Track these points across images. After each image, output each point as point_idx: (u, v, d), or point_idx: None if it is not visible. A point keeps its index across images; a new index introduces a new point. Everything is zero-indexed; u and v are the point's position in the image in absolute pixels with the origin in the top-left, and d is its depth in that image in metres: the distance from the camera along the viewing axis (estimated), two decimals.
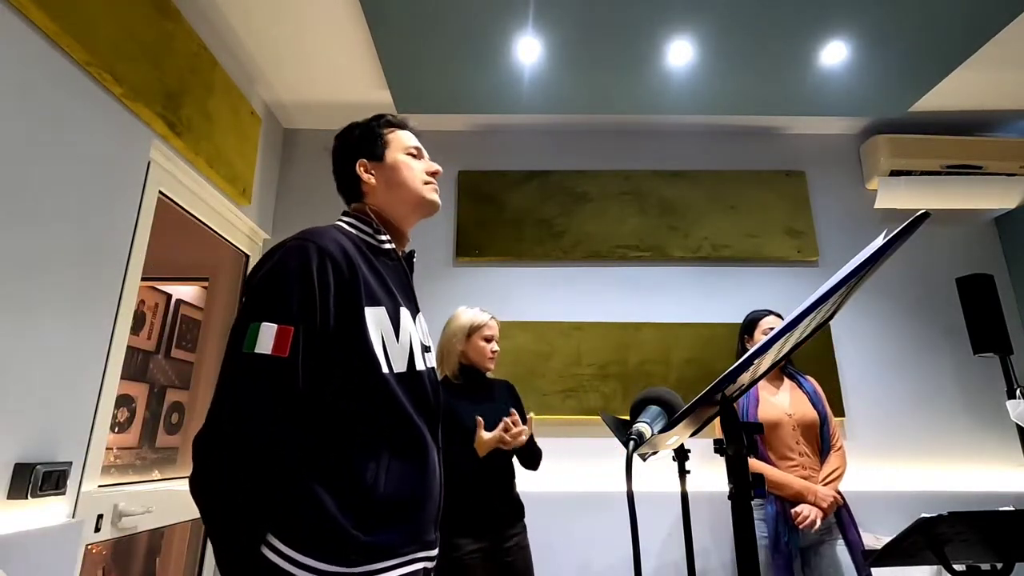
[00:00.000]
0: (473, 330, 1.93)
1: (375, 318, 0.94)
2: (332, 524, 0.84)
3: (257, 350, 0.83)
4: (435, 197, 1.13)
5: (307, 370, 0.86)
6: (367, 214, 1.09)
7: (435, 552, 0.99)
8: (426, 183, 1.11)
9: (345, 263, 0.93)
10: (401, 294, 1.04)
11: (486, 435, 1.74)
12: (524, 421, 1.83)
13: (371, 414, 0.92)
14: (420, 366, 1.01)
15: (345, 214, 1.10)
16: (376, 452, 0.91)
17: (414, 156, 1.12)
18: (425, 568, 0.95)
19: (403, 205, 1.10)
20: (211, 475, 0.80)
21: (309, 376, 0.87)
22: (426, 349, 1.07)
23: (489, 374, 1.99)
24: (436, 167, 1.14)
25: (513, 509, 1.85)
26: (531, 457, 1.91)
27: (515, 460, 1.92)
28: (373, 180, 1.09)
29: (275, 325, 0.84)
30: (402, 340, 0.98)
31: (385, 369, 0.93)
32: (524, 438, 1.75)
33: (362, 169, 1.10)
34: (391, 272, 1.05)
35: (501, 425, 1.73)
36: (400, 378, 0.95)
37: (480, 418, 1.77)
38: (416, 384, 0.99)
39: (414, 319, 1.05)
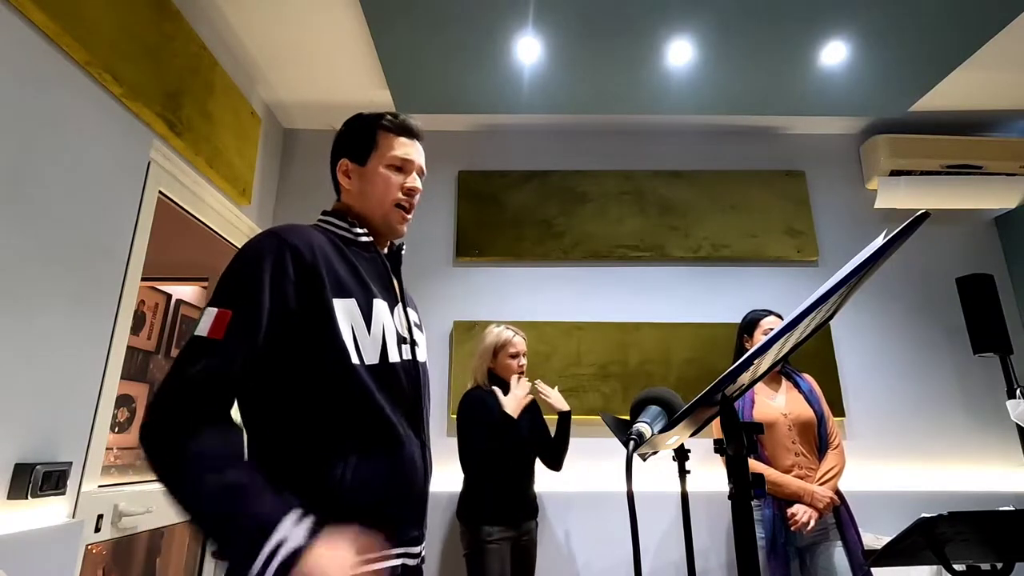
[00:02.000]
0: (498, 349, 2.12)
1: (344, 309, 0.93)
2: None
3: (197, 332, 0.84)
4: (400, 228, 1.08)
5: (270, 361, 0.86)
6: (344, 212, 1.08)
7: (417, 549, 0.96)
8: (397, 204, 1.06)
9: (308, 253, 0.92)
10: (377, 285, 1.01)
11: (510, 398, 1.97)
12: (543, 425, 2.15)
13: (340, 408, 0.90)
14: (394, 358, 0.98)
15: (325, 212, 1.09)
16: (343, 447, 0.89)
17: (397, 168, 1.06)
18: (404, 564, 0.93)
19: (372, 215, 1.07)
20: (157, 436, 0.79)
21: (274, 368, 0.87)
22: (403, 340, 1.03)
23: None
24: (415, 185, 1.08)
25: (531, 505, 2.06)
26: (557, 455, 2.10)
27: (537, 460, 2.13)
28: (347, 184, 1.08)
29: (215, 309, 0.85)
30: (374, 332, 0.95)
31: (355, 360, 0.91)
32: (546, 396, 2.09)
33: (341, 171, 1.09)
34: (366, 263, 1.02)
35: (528, 392, 2.02)
36: (371, 370, 0.93)
37: (497, 389, 2.04)
38: (389, 377, 0.96)
39: (392, 310, 1.02)
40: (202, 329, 0.84)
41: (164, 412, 0.80)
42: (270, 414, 0.90)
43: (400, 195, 1.06)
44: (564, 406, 2.15)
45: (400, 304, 1.07)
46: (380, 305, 0.99)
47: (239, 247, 0.97)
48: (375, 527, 0.87)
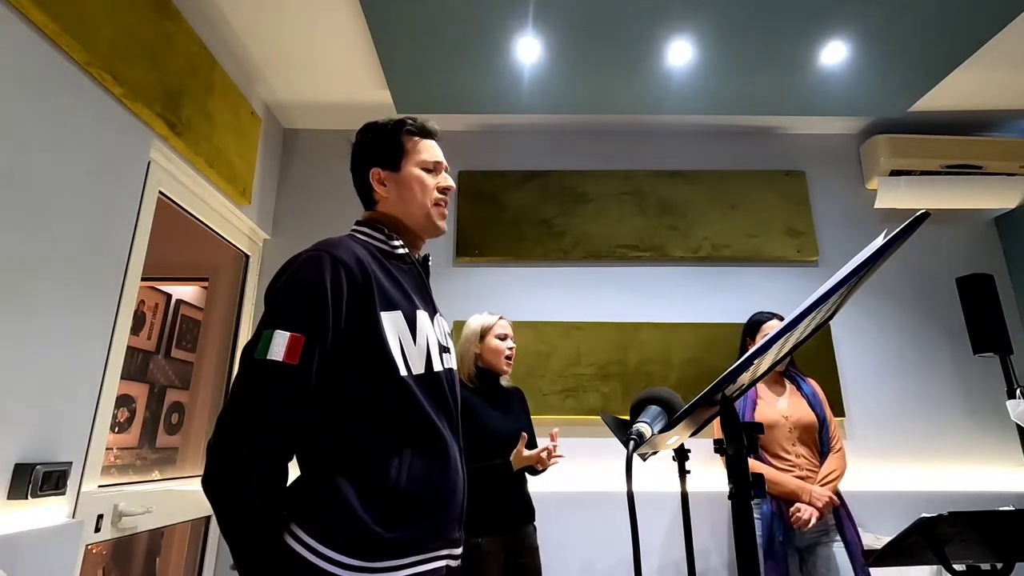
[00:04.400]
0: (484, 332, 2.02)
1: (391, 322, 0.96)
2: (355, 520, 0.87)
3: (269, 356, 0.86)
4: (441, 224, 1.13)
5: (325, 375, 0.90)
6: (379, 221, 1.10)
7: (459, 551, 1.00)
8: (436, 204, 1.11)
9: (359, 270, 0.95)
10: (418, 296, 1.06)
11: (526, 452, 1.83)
12: (530, 430, 1.97)
13: (392, 415, 0.94)
14: (438, 367, 1.03)
15: (359, 223, 1.12)
16: (398, 451, 0.93)
17: (429, 171, 1.12)
18: (448, 565, 0.97)
19: (412, 218, 1.11)
20: (225, 473, 0.83)
21: (328, 380, 0.90)
22: (444, 350, 1.08)
23: (504, 381, 2.05)
24: (449, 183, 1.14)
25: (526, 511, 1.93)
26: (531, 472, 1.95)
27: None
28: (384, 192, 1.11)
29: (287, 333, 0.87)
30: (419, 342, 1.00)
31: (403, 372, 0.95)
32: (556, 463, 1.86)
33: (375, 180, 1.11)
34: (406, 275, 1.07)
35: (543, 450, 1.83)
36: (418, 379, 0.98)
37: (525, 434, 1.86)
38: (434, 384, 1.01)
39: (432, 320, 1.07)
40: (276, 353, 0.86)
41: (246, 437, 0.84)
42: (328, 419, 0.93)
43: (437, 194, 1.12)
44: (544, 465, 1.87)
45: (438, 314, 1.12)
46: (423, 316, 1.03)
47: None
48: (426, 527, 0.92)
